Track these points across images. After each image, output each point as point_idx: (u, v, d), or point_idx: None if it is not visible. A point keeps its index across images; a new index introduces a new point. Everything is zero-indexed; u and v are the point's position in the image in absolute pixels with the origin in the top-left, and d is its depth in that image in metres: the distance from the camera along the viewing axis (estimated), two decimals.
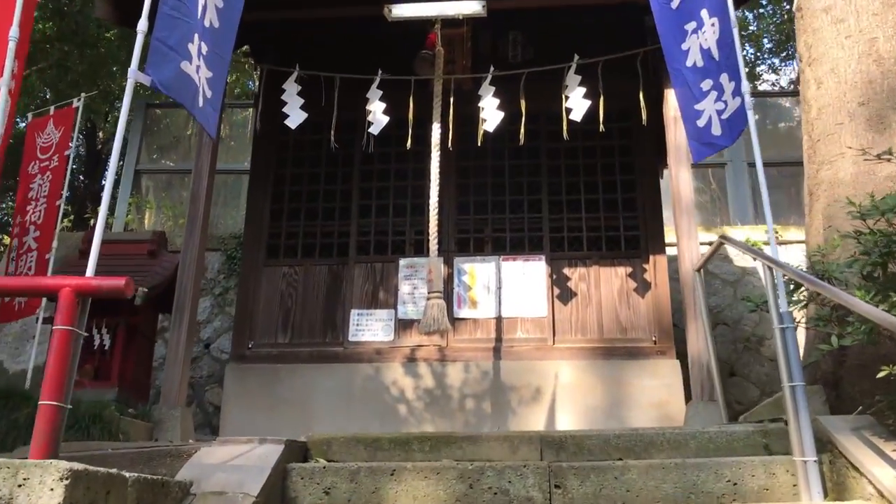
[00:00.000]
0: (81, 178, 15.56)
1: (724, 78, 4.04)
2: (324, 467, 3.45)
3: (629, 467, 3.33)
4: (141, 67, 3.27)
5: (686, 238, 5.32)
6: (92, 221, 13.12)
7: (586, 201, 6.83)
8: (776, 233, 10.52)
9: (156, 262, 7.20)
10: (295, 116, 6.01)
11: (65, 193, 7.00)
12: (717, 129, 4.09)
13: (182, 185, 13.21)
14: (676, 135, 5.56)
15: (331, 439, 3.86)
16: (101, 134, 15.82)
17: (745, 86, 3.75)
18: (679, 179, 5.46)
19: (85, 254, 7.85)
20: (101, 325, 6.84)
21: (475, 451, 3.75)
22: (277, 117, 6.23)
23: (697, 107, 4.20)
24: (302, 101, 6.03)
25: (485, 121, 5.80)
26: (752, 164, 12.57)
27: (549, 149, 7.00)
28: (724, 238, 4.57)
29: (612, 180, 6.89)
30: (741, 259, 10.55)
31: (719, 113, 4.08)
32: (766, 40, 15.53)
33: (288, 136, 7.15)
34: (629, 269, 6.56)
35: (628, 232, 6.70)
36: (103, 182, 15.07)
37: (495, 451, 3.73)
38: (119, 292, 2.71)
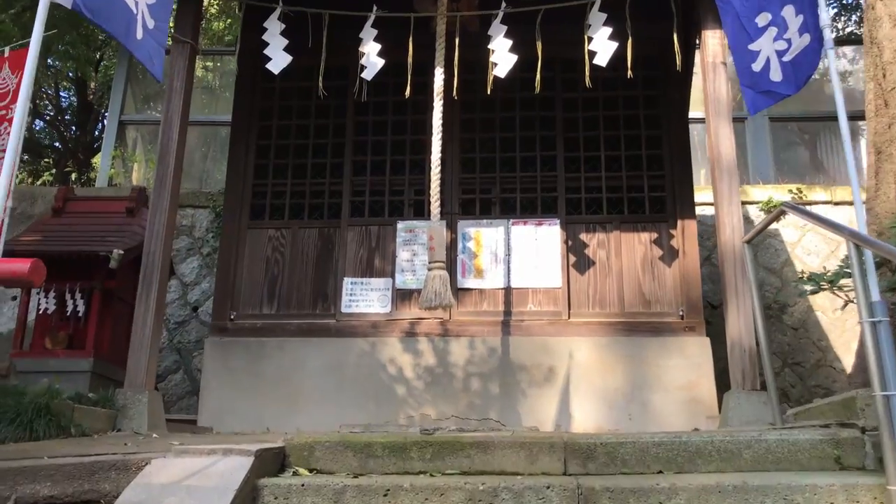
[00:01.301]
0: (74, 129, 14.82)
1: (787, 11, 3.31)
2: (302, 485, 2.82)
3: (677, 490, 2.70)
4: None
5: (727, 203, 4.61)
6: (73, 175, 12.39)
7: (607, 158, 6.11)
8: (800, 192, 9.91)
9: (135, 220, 6.64)
10: (278, 60, 5.25)
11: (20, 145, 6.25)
12: (776, 74, 3.38)
13: None
14: (716, 84, 4.82)
15: (314, 443, 3.22)
16: (91, 84, 15.02)
17: (824, 18, 3.01)
18: (719, 136, 4.73)
19: (58, 212, 7.19)
20: (73, 289, 6.29)
21: (486, 460, 3.12)
22: (260, 62, 5.47)
23: (752, 47, 3.48)
24: (286, 42, 5.26)
25: (495, 65, 5.05)
26: (775, 119, 11.81)
27: (565, 99, 6.25)
28: (789, 206, 3.88)
29: (635, 135, 6.16)
30: (762, 217, 9.87)
31: (780, 54, 3.36)
32: None
33: (273, 84, 6.41)
34: (654, 235, 5.88)
35: (654, 193, 6.00)
36: (96, 133, 14.30)
37: (510, 461, 3.10)
38: (21, 281, 2.03)
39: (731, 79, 4.91)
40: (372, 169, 6.28)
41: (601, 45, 4.93)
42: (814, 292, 3.63)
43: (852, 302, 3.28)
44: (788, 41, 3.30)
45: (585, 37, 5.01)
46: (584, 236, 5.91)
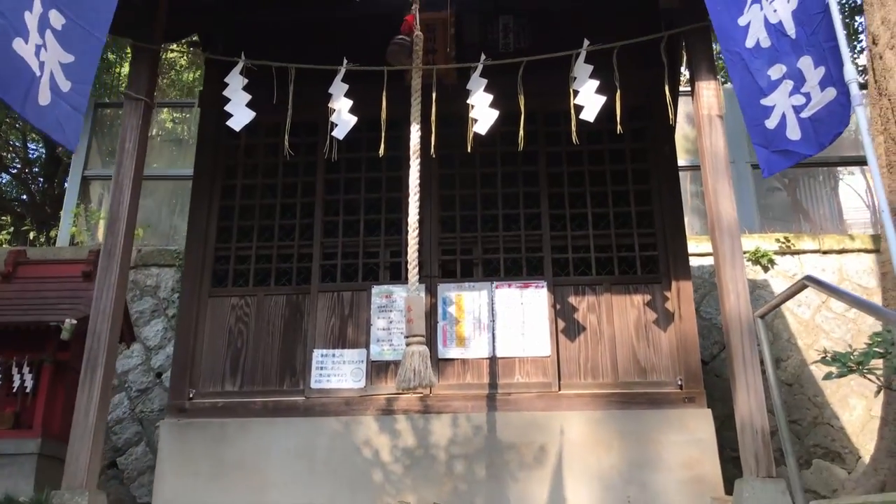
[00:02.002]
0: (41, 181, 14.31)
1: (804, 62, 2.96)
2: None
3: None
4: None
5: (730, 267, 4.22)
6: (31, 234, 11.82)
7: (594, 215, 5.74)
8: (787, 241, 9.62)
9: (92, 285, 6.10)
10: (240, 116, 4.84)
11: None
12: (794, 132, 3.02)
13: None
14: (713, 139, 4.49)
15: None
16: None
17: (849, 72, 2.65)
18: (718, 194, 4.37)
19: (8, 277, 6.69)
20: (21, 362, 5.83)
21: None
22: (223, 118, 5.06)
23: (765, 101, 3.12)
24: (248, 97, 4.86)
25: (475, 121, 4.68)
26: (756, 166, 11.59)
27: (548, 153, 5.89)
28: (811, 280, 3.47)
29: (623, 191, 5.81)
30: (750, 270, 9.57)
31: (797, 109, 3.01)
32: None
33: (238, 141, 6.00)
34: (647, 297, 5.48)
35: (645, 252, 5.62)
36: (65, 186, 13.76)
37: None
38: None
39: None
40: (344, 230, 5.86)
41: (588, 99, 4.58)
42: (841, 375, 3.22)
43: (891, 389, 2.88)
44: (807, 95, 2.95)
45: (571, 90, 4.67)
46: (573, 299, 5.50)
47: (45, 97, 2.25)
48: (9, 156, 15.11)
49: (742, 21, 3.24)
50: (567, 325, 5.43)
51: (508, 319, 5.45)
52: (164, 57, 14.19)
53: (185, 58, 14.15)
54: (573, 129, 4.58)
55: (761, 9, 3.14)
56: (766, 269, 9.55)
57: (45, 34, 2.21)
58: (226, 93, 4.92)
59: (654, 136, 5.80)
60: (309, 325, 5.55)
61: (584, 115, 4.57)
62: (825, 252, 9.44)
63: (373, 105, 4.84)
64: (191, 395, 5.41)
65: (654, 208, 5.68)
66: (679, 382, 5.21)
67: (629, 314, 5.44)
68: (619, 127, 4.60)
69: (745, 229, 10.34)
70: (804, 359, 8.79)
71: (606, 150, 5.85)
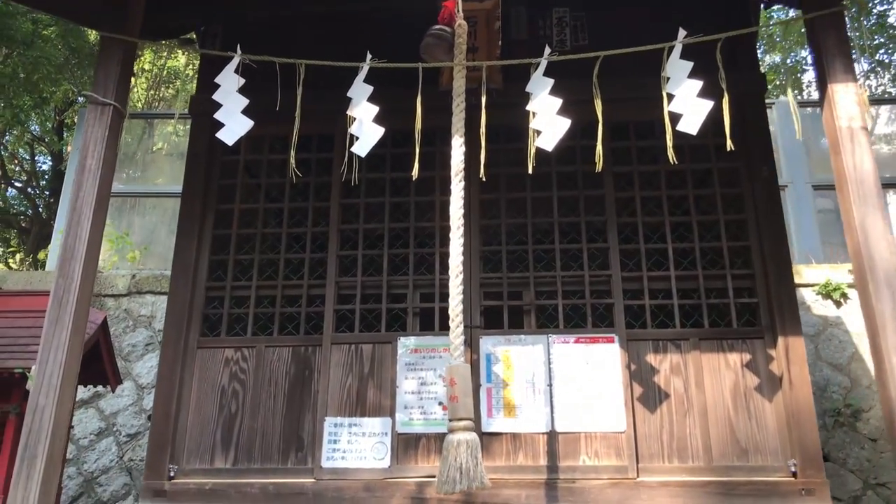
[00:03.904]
0: (48, 194, 13.46)
1: None
2: None
3: None
4: None
5: (892, 332, 3.08)
6: (19, 256, 10.83)
7: (676, 252, 4.61)
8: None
9: None
10: (233, 126, 3.77)
11: None
12: None
13: (134, 209, 11.04)
14: (856, 158, 3.36)
15: None
16: (67, 148, 13.74)
17: None
18: (867, 231, 3.24)
19: None
20: None
21: None
22: (217, 128, 3.98)
23: None
24: (245, 102, 3.79)
25: (538, 133, 3.57)
26: (819, 187, 10.44)
27: (616, 174, 4.79)
28: None
29: (712, 221, 4.68)
30: (821, 305, 8.43)
31: None
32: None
33: (237, 157, 4.96)
34: (746, 356, 4.34)
35: (741, 298, 4.49)
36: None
37: None
38: None
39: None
40: (364, 267, 4.76)
41: (688, 105, 3.47)
42: None
43: None
44: None
45: (664, 93, 3.56)
46: (651, 358, 4.36)
47: None
48: (16, 168, 14.30)
49: None
50: (645, 391, 4.29)
51: (570, 383, 4.32)
52: (159, 62, 13.27)
53: (191, 67, 13.24)
54: (669, 143, 3.46)
55: None
56: (838, 305, 8.41)
57: None
58: (217, 96, 3.86)
59: (748, 151, 4.68)
60: (320, 386, 4.45)
61: (683, 126, 3.46)
62: None
63: (399, 114, 3.78)
64: (171, 475, 4.31)
65: (751, 243, 4.55)
66: (792, 468, 4.05)
67: (724, 378, 4.30)
68: (728, 142, 3.47)
69: (810, 258, 9.20)
70: None
71: (688, 169, 4.74)
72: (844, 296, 8.41)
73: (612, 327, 4.43)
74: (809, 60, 12.45)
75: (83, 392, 7.50)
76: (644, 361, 4.35)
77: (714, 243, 4.61)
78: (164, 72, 13.31)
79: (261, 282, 4.79)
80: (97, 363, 5.56)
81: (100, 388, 7.55)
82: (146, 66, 13.09)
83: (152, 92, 13.60)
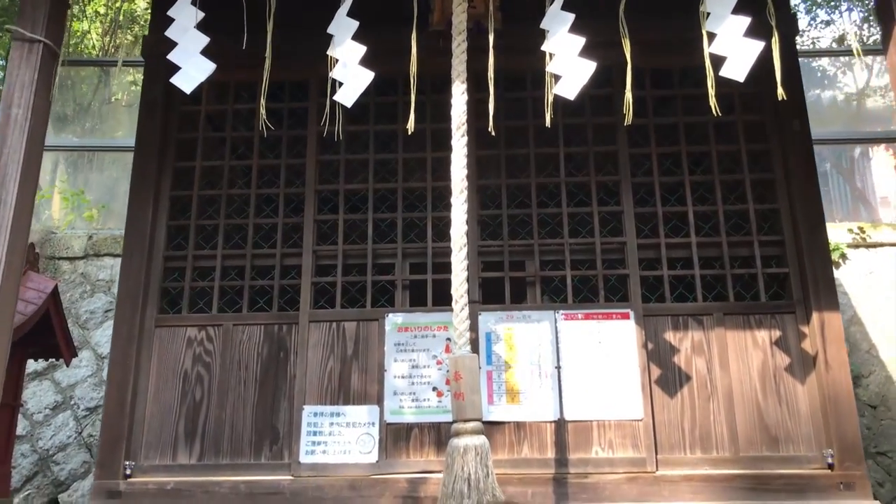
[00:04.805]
0: None
1: None
2: None
3: None
4: None
5: None
6: None
7: (697, 215, 4.11)
8: (861, 232, 8.10)
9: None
10: (191, 70, 3.14)
11: None
12: None
13: (92, 164, 10.25)
14: None
15: None
16: None
17: None
18: None
19: None
20: None
21: None
22: (173, 72, 3.35)
23: None
24: (205, 40, 3.17)
25: (556, 79, 3.00)
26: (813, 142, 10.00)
27: (628, 128, 4.24)
28: None
29: (736, 181, 4.18)
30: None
31: None
32: None
33: (198, 106, 4.34)
34: (775, 333, 3.88)
35: (770, 268, 4.01)
36: None
37: None
38: None
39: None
40: (346, 233, 4.19)
41: (733, 47, 2.92)
42: None
43: None
44: None
45: (704, 32, 3.00)
46: (670, 336, 3.89)
47: None
48: None
49: None
50: (664, 372, 3.82)
51: (580, 365, 3.84)
52: (115, 5, 12.32)
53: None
54: (710, 90, 2.92)
55: None
56: (836, 266, 8.03)
57: None
58: (170, 33, 3.22)
59: (776, 105, 4.16)
60: (297, 370, 3.91)
61: (727, 72, 2.91)
62: None
63: (383, 57, 3.19)
64: (128, 473, 3.77)
65: (779, 205, 4.06)
66: (829, 459, 3.64)
67: (751, 358, 3.84)
68: (780, 90, 2.94)
69: (834, 216, 8.81)
70: (890, 375, 7.38)
71: (710, 122, 4.21)
72: (843, 256, 8.06)
73: (626, 301, 3.94)
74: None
75: (37, 364, 6.91)
76: (662, 339, 3.87)
77: (739, 206, 4.11)
78: (121, 16, 12.35)
79: (227, 250, 4.20)
80: (48, 335, 5.01)
81: (38, 367, 6.98)
82: (100, 10, 12.14)
83: (108, 38, 12.65)
